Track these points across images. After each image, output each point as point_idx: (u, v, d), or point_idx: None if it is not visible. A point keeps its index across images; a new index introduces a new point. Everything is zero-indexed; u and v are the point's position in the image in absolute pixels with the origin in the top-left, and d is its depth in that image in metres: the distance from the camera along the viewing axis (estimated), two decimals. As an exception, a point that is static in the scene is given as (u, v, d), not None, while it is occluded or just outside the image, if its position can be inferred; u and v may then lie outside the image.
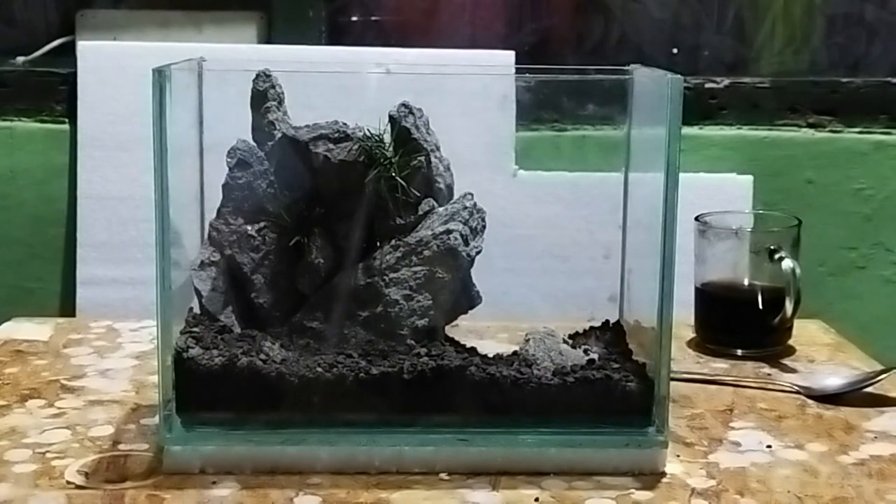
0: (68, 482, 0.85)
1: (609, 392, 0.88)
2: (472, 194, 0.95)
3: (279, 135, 0.94)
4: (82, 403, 1.01)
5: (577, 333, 1.01)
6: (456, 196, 0.96)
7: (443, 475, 0.87)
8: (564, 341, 0.98)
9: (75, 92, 1.36)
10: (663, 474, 0.88)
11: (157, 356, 0.88)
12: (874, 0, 1.53)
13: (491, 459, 0.88)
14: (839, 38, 1.53)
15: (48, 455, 0.90)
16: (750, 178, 1.38)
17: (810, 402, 1.04)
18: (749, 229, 1.21)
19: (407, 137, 0.92)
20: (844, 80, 1.42)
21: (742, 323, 1.18)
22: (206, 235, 0.95)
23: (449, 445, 0.88)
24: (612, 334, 1.00)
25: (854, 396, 1.04)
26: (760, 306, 1.16)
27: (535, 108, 1.33)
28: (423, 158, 0.93)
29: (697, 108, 1.39)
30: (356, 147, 0.92)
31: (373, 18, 1.53)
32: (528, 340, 0.95)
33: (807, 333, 1.22)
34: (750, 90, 1.41)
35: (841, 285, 1.42)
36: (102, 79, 1.35)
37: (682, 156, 0.85)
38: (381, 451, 0.87)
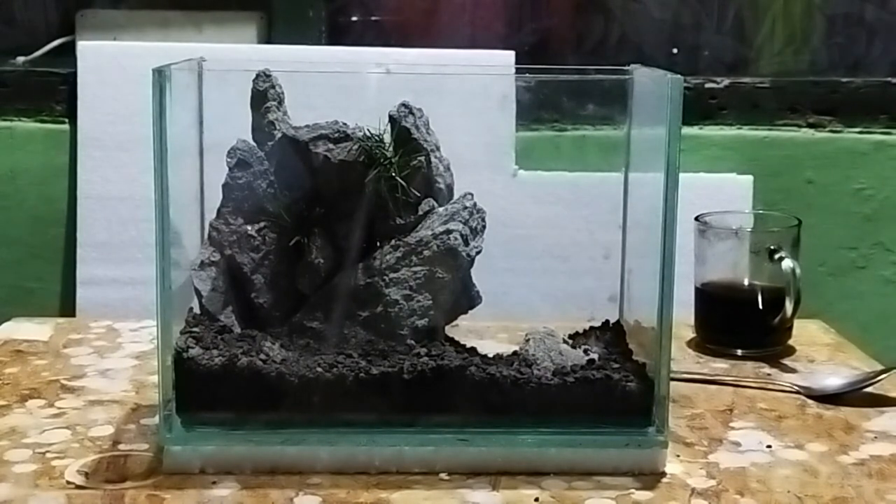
0: (68, 482, 0.85)
1: (609, 392, 0.88)
2: (472, 194, 0.95)
3: (279, 135, 0.94)
4: (82, 403, 1.01)
5: (577, 333, 1.01)
6: (456, 196, 0.96)
7: (443, 475, 0.87)
8: (564, 341, 0.97)
9: (75, 92, 1.36)
10: (663, 474, 0.88)
11: (157, 356, 0.88)
12: (874, 0, 1.53)
13: (491, 459, 0.88)
14: (839, 38, 1.53)
15: (48, 455, 0.90)
16: (750, 178, 1.38)
17: (810, 402, 1.04)
18: (749, 229, 1.21)
19: (407, 137, 0.92)
20: (844, 80, 1.42)
21: (742, 323, 1.18)
22: (206, 235, 0.95)
23: (449, 445, 0.88)
24: (612, 334, 1.00)
25: (854, 396, 1.04)
26: (760, 306, 1.16)
27: (535, 108, 1.33)
28: (423, 158, 0.93)
29: (697, 108, 1.38)
30: (356, 147, 0.92)
31: (373, 18, 1.53)
32: (528, 340, 0.95)
33: (807, 333, 1.22)
34: (750, 90, 1.41)
35: (841, 285, 1.42)
36: (102, 79, 1.35)
37: (682, 156, 0.85)
38: (381, 451, 0.87)
